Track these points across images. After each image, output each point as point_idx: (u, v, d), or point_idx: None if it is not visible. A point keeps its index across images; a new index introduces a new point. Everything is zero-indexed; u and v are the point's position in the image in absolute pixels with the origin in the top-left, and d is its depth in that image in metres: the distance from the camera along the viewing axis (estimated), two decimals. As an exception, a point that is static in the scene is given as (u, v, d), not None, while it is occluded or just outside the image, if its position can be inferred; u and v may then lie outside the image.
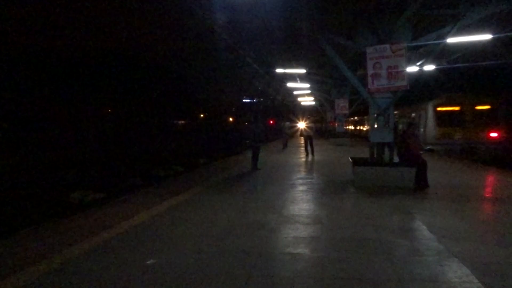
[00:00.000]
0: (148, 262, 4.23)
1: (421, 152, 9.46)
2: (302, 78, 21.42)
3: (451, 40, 10.05)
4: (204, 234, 5.33)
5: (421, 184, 8.88)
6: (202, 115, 75.09)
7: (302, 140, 20.89)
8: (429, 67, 13.74)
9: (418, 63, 12.38)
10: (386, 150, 9.86)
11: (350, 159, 10.38)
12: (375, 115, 9.69)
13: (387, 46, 8.89)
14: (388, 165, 9.45)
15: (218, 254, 4.51)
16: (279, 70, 17.56)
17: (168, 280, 3.79)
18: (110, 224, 5.92)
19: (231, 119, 77.34)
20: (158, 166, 16.89)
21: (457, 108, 17.74)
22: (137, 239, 5.15)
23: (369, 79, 9.12)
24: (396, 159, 9.64)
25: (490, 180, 10.70)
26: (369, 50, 9.06)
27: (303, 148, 18.93)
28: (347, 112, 24.92)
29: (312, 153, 17.39)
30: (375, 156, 9.82)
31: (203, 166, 16.23)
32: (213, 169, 13.75)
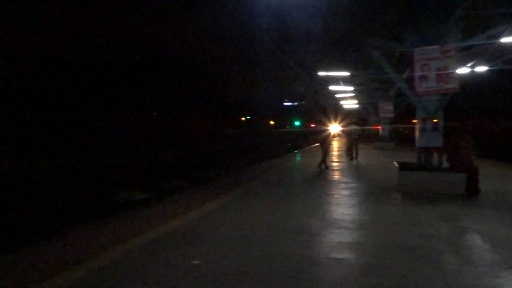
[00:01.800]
0: (194, 262, 4.31)
1: (473, 157, 9.03)
2: (345, 80, 21.07)
3: (506, 39, 9.53)
4: (246, 236, 5.36)
5: (472, 191, 8.47)
6: (243, 119, 75.71)
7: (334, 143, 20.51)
8: (481, 69, 13.10)
9: (469, 65, 11.84)
10: (435, 154, 9.48)
11: (395, 164, 10.08)
12: (423, 118, 9.35)
13: (436, 47, 8.57)
14: (437, 170, 9.09)
15: (261, 257, 4.51)
16: (321, 73, 17.36)
17: (212, 281, 3.85)
18: (156, 224, 6.08)
19: (272, 122, 77.38)
20: (200, 168, 17.20)
21: None
22: (182, 239, 5.26)
23: (417, 81, 8.83)
24: (444, 164, 9.25)
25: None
26: (416, 51, 8.77)
27: (341, 151, 18.61)
28: (391, 115, 24.22)
29: (356, 157, 17.04)
30: (422, 161, 9.48)
31: (243, 170, 16.34)
32: (253, 172, 13.80)
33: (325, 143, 14.12)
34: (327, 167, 13.79)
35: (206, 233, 5.56)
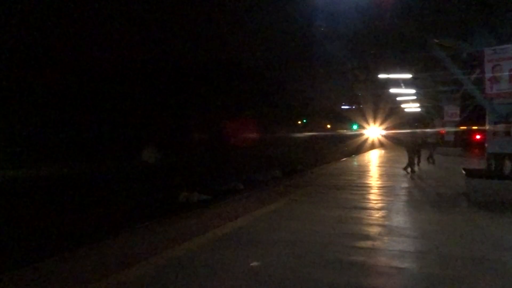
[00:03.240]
0: (252, 264, 4.35)
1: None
2: (406, 83, 20.28)
3: None
4: (303, 241, 5.31)
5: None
6: (299, 122, 75.21)
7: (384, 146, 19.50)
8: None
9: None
10: (507, 161, 8.82)
11: (463, 171, 9.51)
12: (493, 123, 8.75)
13: (510, 46, 8.00)
14: (509, 178, 8.44)
15: (319, 262, 4.46)
16: (382, 76, 16.85)
17: (270, 283, 3.86)
18: (216, 225, 6.22)
19: (328, 126, 76.19)
20: (257, 172, 17.36)
21: None
22: (239, 241, 5.33)
23: (487, 83, 8.28)
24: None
25: None
26: (487, 51, 8.23)
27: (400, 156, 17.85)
28: (457, 119, 22.91)
29: (418, 164, 16.24)
30: (492, 168, 8.86)
31: (299, 173, 16.26)
32: (309, 176, 13.69)
33: (412, 146, 14.12)
34: (413, 171, 13.72)
35: (264, 236, 5.59)
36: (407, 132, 17.11)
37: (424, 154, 16.22)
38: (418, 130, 16.69)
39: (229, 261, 4.46)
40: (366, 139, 36.39)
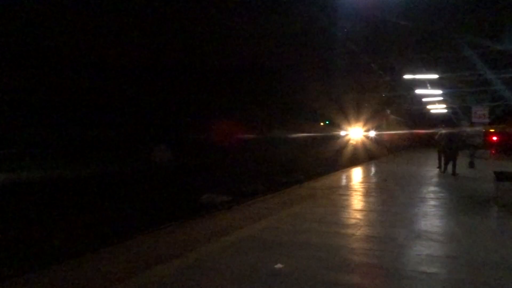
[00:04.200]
0: (276, 266, 4.33)
1: None
2: (433, 84, 19.84)
3: None
4: (327, 244, 5.25)
5: None
6: (322, 124, 74.66)
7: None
8: None
9: None
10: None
11: (493, 174, 9.21)
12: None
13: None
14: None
15: (344, 266, 4.39)
16: (407, 76, 16.53)
17: (295, 286, 3.82)
18: (239, 226, 6.22)
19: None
20: (280, 174, 17.29)
21: None
22: (263, 243, 5.31)
23: (518, 83, 8.02)
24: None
25: None
26: (518, 50, 7.98)
27: (427, 159, 17.44)
28: (486, 120, 22.24)
29: (445, 166, 15.82)
30: (524, 170, 8.56)
31: (323, 176, 16.09)
32: (333, 178, 13.54)
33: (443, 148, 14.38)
34: (444, 171, 14.27)
35: (287, 238, 5.56)
36: (433, 134, 16.66)
37: (461, 157, 15.42)
38: (443, 131, 16.17)
39: (253, 263, 4.44)
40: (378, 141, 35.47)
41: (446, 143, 14.29)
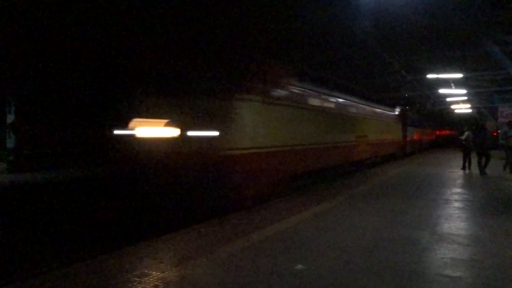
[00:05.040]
0: (297, 267, 4.30)
1: None
2: (457, 83, 19.41)
3: None
4: (350, 245, 5.19)
5: None
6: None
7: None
8: None
9: None
10: None
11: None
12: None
13: None
14: None
15: (366, 268, 4.32)
16: (431, 76, 16.21)
17: (316, 287, 3.79)
18: (261, 226, 6.20)
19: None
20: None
21: None
22: (284, 243, 5.29)
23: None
24: None
25: None
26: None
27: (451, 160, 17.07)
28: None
29: (469, 167, 15.47)
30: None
31: (346, 176, 15.92)
32: (356, 179, 13.38)
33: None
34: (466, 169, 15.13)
35: (310, 238, 5.52)
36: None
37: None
38: (467, 133, 15.76)
39: (274, 264, 4.42)
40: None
41: (477, 143, 14.42)
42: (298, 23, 10.36)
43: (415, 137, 27.88)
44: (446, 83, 19.33)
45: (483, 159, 13.96)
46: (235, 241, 5.34)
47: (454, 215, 7.26)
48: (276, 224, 6.34)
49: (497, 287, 3.83)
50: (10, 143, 14.38)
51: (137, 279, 3.95)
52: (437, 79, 17.52)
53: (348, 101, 14.24)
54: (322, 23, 10.37)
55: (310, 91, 11.06)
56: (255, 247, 5.08)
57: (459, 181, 12.53)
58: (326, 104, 12.24)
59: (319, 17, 10.11)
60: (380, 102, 19.05)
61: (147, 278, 3.97)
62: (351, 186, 11.05)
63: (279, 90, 9.19)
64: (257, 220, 6.68)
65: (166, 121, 6.67)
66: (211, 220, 6.59)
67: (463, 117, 36.63)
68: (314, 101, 11.30)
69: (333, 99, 12.93)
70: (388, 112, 20.15)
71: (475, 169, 14.85)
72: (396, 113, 22.19)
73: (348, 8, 9.40)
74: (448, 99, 25.63)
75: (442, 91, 21.26)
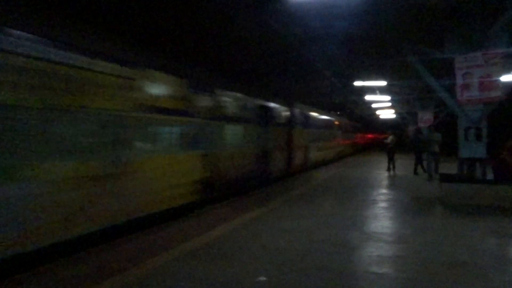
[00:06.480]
0: (260, 279, 4.31)
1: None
2: (382, 90, 20.70)
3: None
4: (283, 248, 5.30)
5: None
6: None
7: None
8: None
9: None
10: (477, 165, 9.08)
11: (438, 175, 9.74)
12: (465, 128, 9.00)
13: (479, 54, 8.26)
14: (481, 182, 8.69)
15: (299, 269, 4.44)
16: (357, 83, 17.14)
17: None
18: (196, 234, 6.11)
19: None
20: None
21: None
22: (219, 250, 5.25)
23: (458, 90, 8.55)
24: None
25: None
26: (458, 59, 8.50)
27: (376, 162, 18.17)
28: (431, 125, 23.43)
29: (394, 169, 16.58)
30: (464, 172, 9.11)
31: (282, 181, 16.24)
32: (292, 183, 13.71)
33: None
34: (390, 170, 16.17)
35: (246, 243, 5.54)
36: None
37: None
38: (390, 137, 17.27)
39: (206, 272, 4.40)
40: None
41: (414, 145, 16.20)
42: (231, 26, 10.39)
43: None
44: (372, 90, 20.53)
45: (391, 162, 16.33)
46: (169, 251, 5.22)
47: (380, 214, 7.71)
48: (212, 231, 6.29)
49: (418, 281, 4.12)
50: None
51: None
52: (363, 86, 18.53)
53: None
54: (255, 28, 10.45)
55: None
56: (191, 255, 5.01)
57: (385, 182, 13.33)
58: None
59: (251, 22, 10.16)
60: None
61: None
62: (288, 189, 11.30)
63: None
64: (194, 228, 6.60)
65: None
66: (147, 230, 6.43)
67: (388, 122, 39.09)
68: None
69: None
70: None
71: (398, 171, 16.04)
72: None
73: (279, 15, 9.56)
74: (373, 105, 27.25)
75: (368, 97, 22.56)
